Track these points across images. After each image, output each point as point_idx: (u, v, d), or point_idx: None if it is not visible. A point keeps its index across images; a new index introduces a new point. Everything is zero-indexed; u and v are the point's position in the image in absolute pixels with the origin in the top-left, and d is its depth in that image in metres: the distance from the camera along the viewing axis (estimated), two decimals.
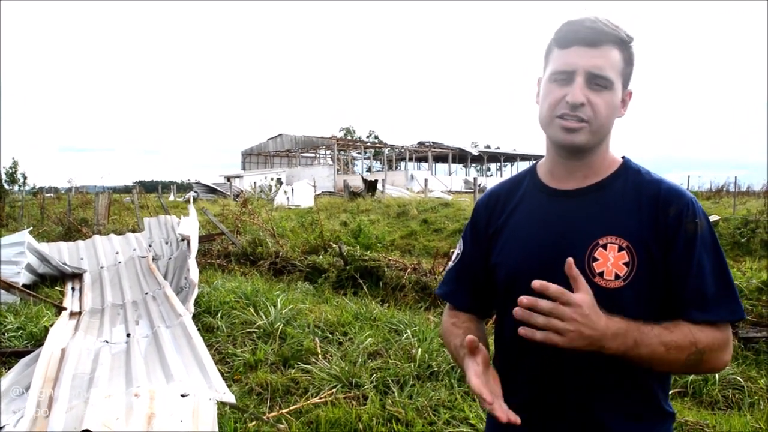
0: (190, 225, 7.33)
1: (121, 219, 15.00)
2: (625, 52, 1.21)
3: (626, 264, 1.18)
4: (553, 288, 1.06)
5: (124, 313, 5.26)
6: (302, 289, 7.09)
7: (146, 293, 5.83)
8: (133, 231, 10.25)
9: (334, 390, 3.67)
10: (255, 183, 33.38)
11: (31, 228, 9.86)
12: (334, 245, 8.61)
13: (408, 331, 4.70)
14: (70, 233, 12.79)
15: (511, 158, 60.58)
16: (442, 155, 54.09)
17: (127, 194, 22.55)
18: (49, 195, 28.22)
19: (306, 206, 21.09)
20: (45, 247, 7.35)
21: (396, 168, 52.04)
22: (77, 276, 6.92)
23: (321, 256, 8.47)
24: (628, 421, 1.21)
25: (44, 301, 5.70)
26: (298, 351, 4.42)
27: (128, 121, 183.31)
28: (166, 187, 44.70)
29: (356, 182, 31.32)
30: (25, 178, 45.08)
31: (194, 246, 6.58)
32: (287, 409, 3.47)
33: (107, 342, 4.29)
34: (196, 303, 5.39)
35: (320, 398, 3.58)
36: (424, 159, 54.57)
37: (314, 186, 27.30)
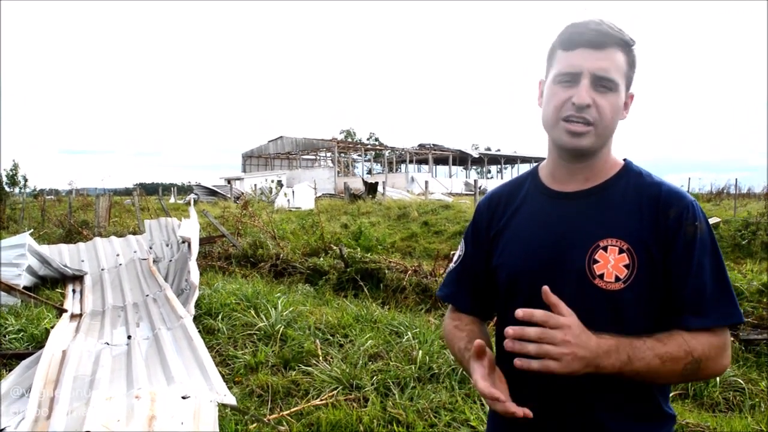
0: (190, 227, 7.34)
1: (121, 221, 14.99)
2: (628, 54, 1.22)
3: (626, 266, 1.18)
4: (539, 313, 1.06)
5: (125, 315, 5.26)
6: (303, 291, 7.10)
7: (147, 295, 5.83)
8: (134, 233, 10.25)
9: (335, 392, 3.67)
10: (255, 185, 33.40)
11: (32, 230, 9.86)
12: (335, 247, 8.61)
13: (409, 333, 4.70)
14: (71, 235, 12.80)
15: (511, 160, 60.59)
16: (442, 157, 54.11)
17: (128, 196, 22.57)
18: (49, 197, 28.27)
19: (306, 208, 21.08)
20: (46, 249, 7.35)
21: (396, 170, 52.04)
22: (78, 278, 6.92)
23: (322, 258, 8.48)
24: (628, 422, 1.21)
25: (45, 303, 5.71)
26: (298, 353, 4.42)
27: (128, 123, 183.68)
28: (166, 189, 44.81)
29: (357, 184, 31.35)
30: (25, 180, 45.10)
31: (195, 248, 6.59)
32: (288, 411, 3.47)
33: (108, 344, 4.29)
34: (197, 305, 5.39)
35: (321, 400, 3.58)
36: (425, 161, 54.56)
37: (315, 188, 27.31)
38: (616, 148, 1.30)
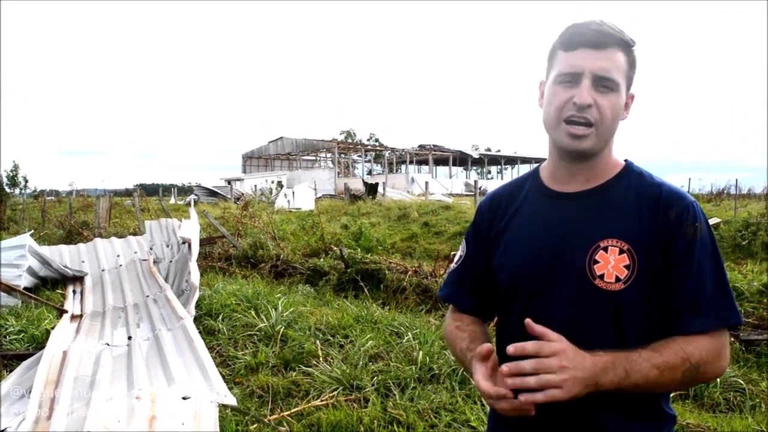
0: (191, 228, 7.33)
1: (122, 222, 15.00)
2: (629, 55, 1.22)
3: (627, 267, 1.18)
4: (530, 345, 1.06)
5: (126, 315, 5.27)
6: (303, 292, 7.10)
7: (147, 296, 5.83)
8: (135, 234, 10.25)
9: (336, 392, 3.67)
10: (255, 186, 33.40)
11: (33, 231, 9.85)
12: (335, 248, 8.62)
13: (409, 333, 4.71)
14: (72, 236, 12.81)
15: (511, 161, 60.60)
16: (442, 158, 54.12)
17: (128, 197, 22.58)
18: (50, 198, 28.32)
19: (307, 209, 21.09)
20: (46, 250, 7.36)
21: (397, 171, 52.02)
22: (78, 279, 6.93)
23: (322, 259, 8.49)
24: (628, 422, 1.21)
25: (45, 304, 5.71)
26: (299, 354, 4.43)
27: (128, 124, 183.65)
28: (166, 190, 44.78)
29: (357, 185, 31.37)
30: (26, 181, 45.06)
31: (195, 249, 6.59)
32: (288, 412, 3.47)
33: (108, 345, 4.29)
34: (197, 306, 5.39)
35: (321, 401, 3.58)
36: (425, 162, 54.57)
37: (315, 189, 27.30)
38: (616, 149, 1.30)
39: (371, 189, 26.09)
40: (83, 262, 7.45)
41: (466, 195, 36.40)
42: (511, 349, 1.06)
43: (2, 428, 2.79)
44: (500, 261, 1.34)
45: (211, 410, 2.64)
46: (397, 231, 15.42)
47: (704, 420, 3.51)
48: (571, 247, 1.23)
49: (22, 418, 2.82)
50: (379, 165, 60.62)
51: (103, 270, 7.11)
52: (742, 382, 4.07)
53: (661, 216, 1.19)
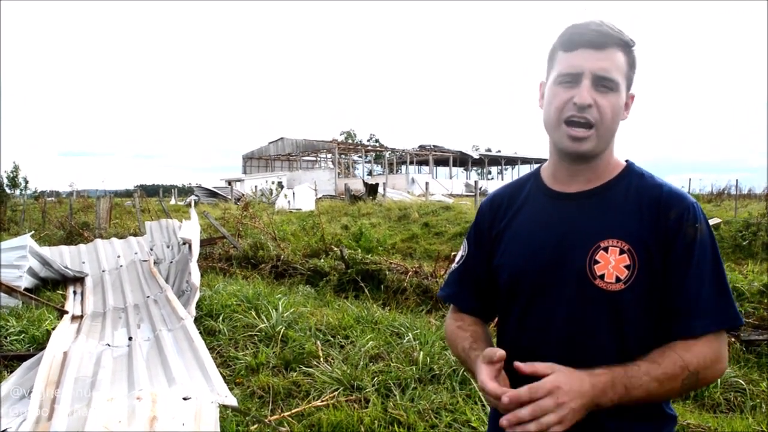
0: (191, 228, 7.33)
1: (122, 223, 15.01)
2: (628, 55, 1.22)
3: (627, 267, 1.18)
4: (523, 392, 1.05)
5: (126, 316, 5.27)
6: (304, 293, 7.10)
7: (148, 297, 5.83)
8: (135, 235, 10.26)
9: (336, 393, 3.67)
10: (256, 186, 33.43)
11: (33, 232, 9.86)
12: (336, 249, 8.62)
13: (409, 334, 4.70)
14: (72, 237, 12.81)
15: (512, 161, 60.61)
16: (443, 159, 54.12)
17: (129, 198, 22.60)
18: (50, 199, 28.33)
19: (307, 210, 21.10)
20: (47, 251, 7.36)
21: (397, 171, 52.05)
22: (79, 279, 6.93)
23: (322, 260, 8.49)
24: (629, 422, 1.21)
25: (46, 305, 5.71)
26: (299, 354, 4.43)
27: (128, 125, 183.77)
28: (167, 190, 44.80)
29: (357, 186, 31.38)
30: (26, 182, 45.04)
31: (196, 249, 6.59)
32: (289, 412, 3.47)
33: (109, 345, 4.29)
34: (198, 306, 5.39)
35: (322, 401, 3.58)
36: (425, 162, 54.58)
37: (315, 189, 27.31)
38: (617, 149, 1.30)
39: (371, 189, 26.11)
40: (84, 262, 7.45)
41: (467, 195, 36.41)
42: (506, 399, 1.05)
43: (3, 429, 2.79)
44: (501, 261, 1.34)
45: (211, 411, 2.64)
46: (398, 231, 15.42)
47: (705, 420, 3.51)
48: (572, 247, 1.23)
49: (23, 418, 2.82)
50: (380, 165, 60.69)
51: (103, 271, 7.12)
52: (742, 382, 4.07)
53: (662, 216, 1.19)
